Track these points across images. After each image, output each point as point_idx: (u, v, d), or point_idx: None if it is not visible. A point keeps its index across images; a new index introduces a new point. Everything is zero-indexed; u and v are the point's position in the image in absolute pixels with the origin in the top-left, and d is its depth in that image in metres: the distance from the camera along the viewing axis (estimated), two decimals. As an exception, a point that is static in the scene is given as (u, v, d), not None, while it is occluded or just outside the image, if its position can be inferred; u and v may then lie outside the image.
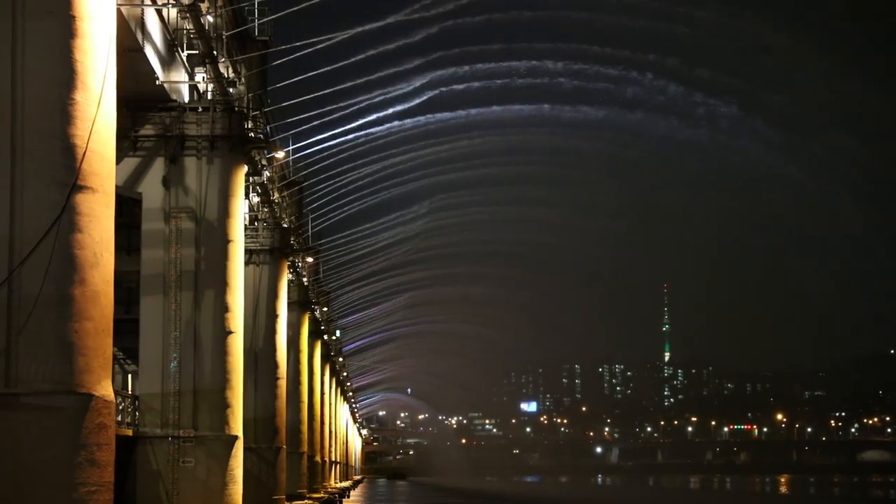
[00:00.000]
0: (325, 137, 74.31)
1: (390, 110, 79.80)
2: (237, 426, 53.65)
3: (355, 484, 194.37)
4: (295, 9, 55.89)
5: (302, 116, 67.51)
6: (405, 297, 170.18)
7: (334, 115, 70.49)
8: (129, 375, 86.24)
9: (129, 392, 60.20)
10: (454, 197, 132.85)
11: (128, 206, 63.96)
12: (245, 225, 65.14)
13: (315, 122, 69.91)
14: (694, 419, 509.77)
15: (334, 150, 77.75)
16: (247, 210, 71.45)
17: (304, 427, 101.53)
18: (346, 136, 76.85)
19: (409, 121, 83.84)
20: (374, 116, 78.70)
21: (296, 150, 76.36)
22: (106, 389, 30.77)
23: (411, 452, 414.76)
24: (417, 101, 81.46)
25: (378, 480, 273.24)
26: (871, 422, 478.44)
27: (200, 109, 53.90)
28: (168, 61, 51.48)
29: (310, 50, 57.11)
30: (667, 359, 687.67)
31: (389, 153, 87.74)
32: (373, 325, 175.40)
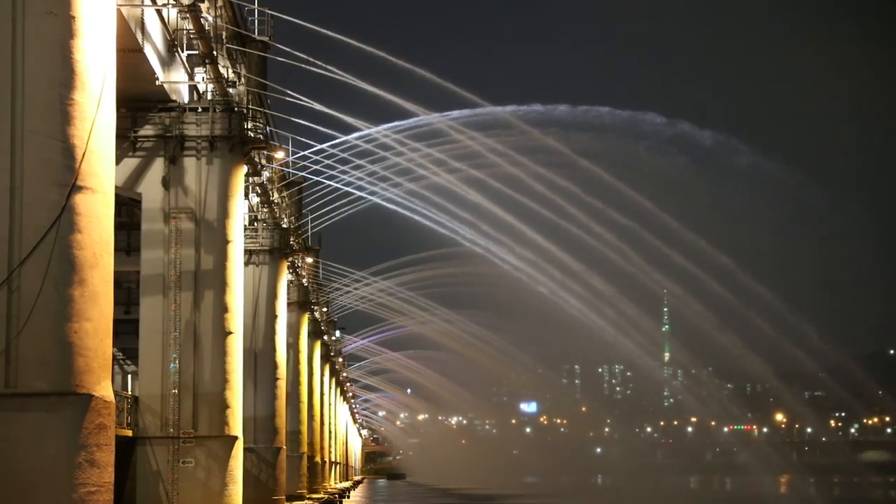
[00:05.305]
0: (326, 135, 74.00)
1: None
2: (237, 427, 53.65)
3: (355, 484, 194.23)
4: None
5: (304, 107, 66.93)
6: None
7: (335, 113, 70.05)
8: (129, 376, 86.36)
9: (129, 392, 60.15)
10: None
11: (128, 206, 64.12)
12: (244, 225, 65.11)
13: (315, 123, 69.56)
14: (694, 419, 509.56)
15: (335, 148, 77.42)
16: (246, 210, 71.38)
17: (304, 427, 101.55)
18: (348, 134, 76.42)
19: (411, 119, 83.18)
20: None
21: (296, 149, 76.12)
22: (106, 390, 30.75)
23: (411, 453, 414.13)
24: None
25: (378, 481, 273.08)
26: (871, 422, 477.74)
27: (200, 110, 53.90)
28: (168, 61, 51.49)
29: (310, 59, 57.07)
30: (667, 359, 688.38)
31: (390, 152, 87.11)
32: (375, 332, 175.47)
